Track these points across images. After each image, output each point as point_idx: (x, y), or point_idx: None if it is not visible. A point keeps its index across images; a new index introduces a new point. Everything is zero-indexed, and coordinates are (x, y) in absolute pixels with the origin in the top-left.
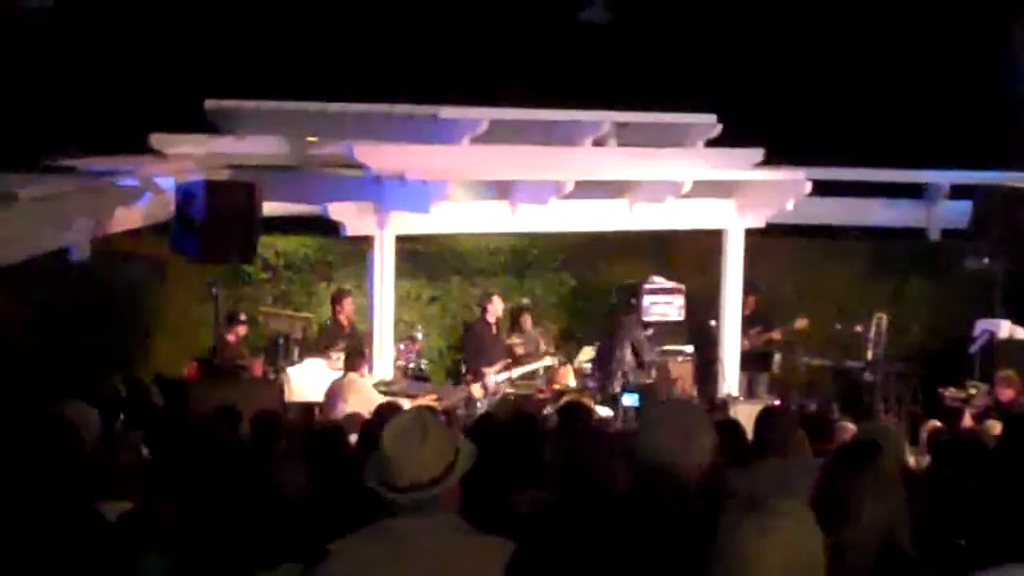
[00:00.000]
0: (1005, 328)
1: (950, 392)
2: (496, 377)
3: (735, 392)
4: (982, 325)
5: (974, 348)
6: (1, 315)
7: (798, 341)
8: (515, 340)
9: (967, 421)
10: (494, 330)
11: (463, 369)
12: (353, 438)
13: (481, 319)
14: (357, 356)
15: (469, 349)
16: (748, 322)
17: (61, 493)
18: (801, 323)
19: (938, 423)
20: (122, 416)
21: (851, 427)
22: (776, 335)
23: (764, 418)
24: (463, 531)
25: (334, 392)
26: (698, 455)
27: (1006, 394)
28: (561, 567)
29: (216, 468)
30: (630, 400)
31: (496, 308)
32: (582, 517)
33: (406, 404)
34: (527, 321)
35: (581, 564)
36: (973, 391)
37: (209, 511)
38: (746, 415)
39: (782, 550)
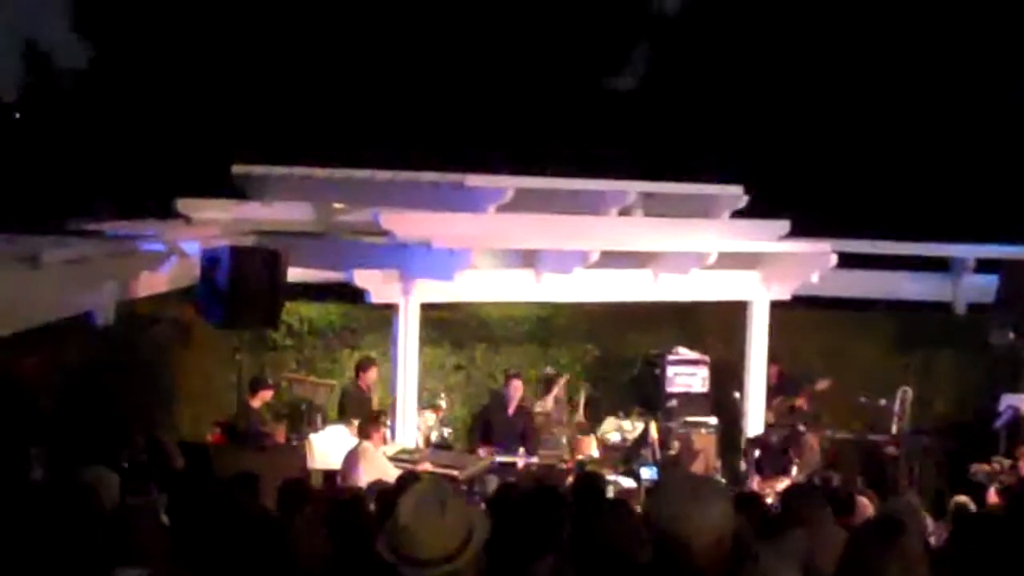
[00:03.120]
0: None
1: (976, 467)
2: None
3: None
4: (1007, 400)
5: (999, 423)
6: (27, 378)
7: (820, 408)
8: (544, 405)
9: (992, 497)
10: (509, 412)
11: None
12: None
13: (495, 404)
14: (370, 424)
15: (475, 429)
16: (772, 392)
17: (78, 558)
18: (823, 384)
19: (964, 498)
20: (144, 481)
21: (867, 502)
22: (800, 402)
23: (790, 493)
24: None
25: (348, 460)
26: (711, 526)
27: None
28: None
29: (234, 535)
30: (648, 473)
31: (516, 392)
32: None
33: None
34: (559, 389)
35: None
36: (997, 466)
37: None
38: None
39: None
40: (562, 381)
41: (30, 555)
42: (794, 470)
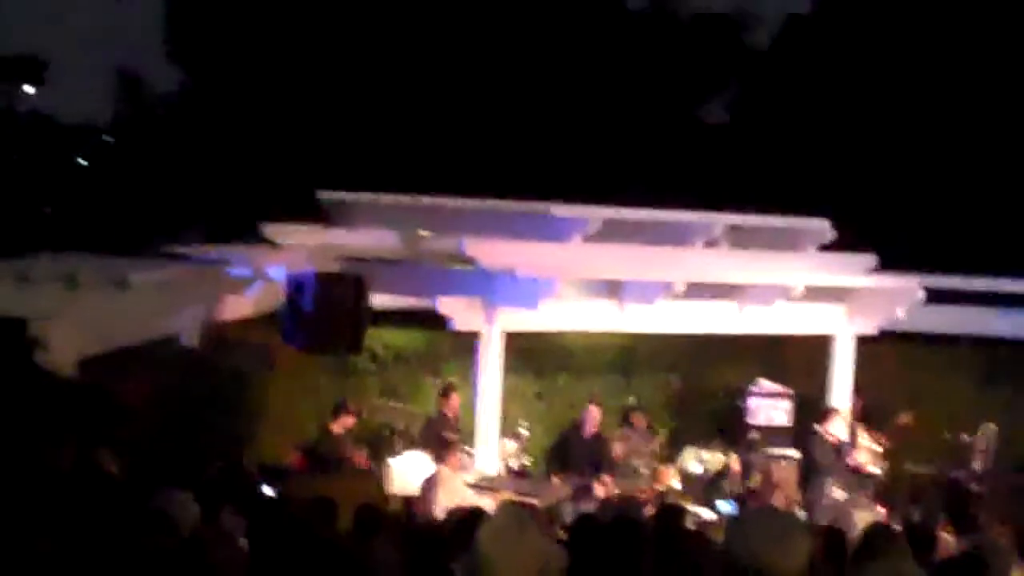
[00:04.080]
0: None
1: None
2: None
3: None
4: None
5: None
6: (122, 400)
7: (903, 443)
8: (622, 437)
9: None
10: (584, 436)
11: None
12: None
13: (573, 429)
14: (445, 449)
15: (552, 454)
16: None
17: None
18: (905, 419)
19: None
20: (223, 505)
21: (949, 539)
22: (882, 439)
23: (870, 531)
24: None
25: (425, 486)
26: (789, 562)
27: None
28: None
29: (310, 561)
30: (726, 508)
31: (592, 417)
32: None
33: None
34: (638, 420)
35: None
36: None
37: None
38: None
39: None
40: (639, 414)
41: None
42: None
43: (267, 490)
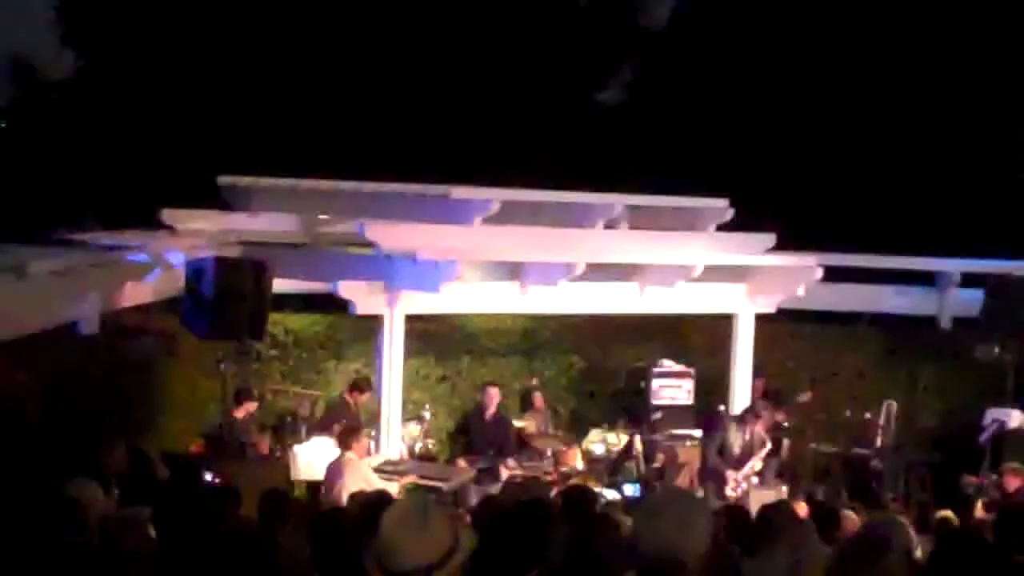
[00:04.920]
0: (1015, 418)
1: (967, 479)
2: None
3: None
4: (992, 414)
5: (984, 437)
6: (12, 389)
7: (805, 422)
8: (527, 419)
9: (979, 511)
10: (485, 418)
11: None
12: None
13: (475, 411)
14: (351, 435)
15: (455, 437)
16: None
17: (65, 571)
18: (805, 397)
19: (949, 512)
20: (128, 493)
21: (853, 517)
22: (781, 416)
23: (770, 508)
24: None
25: (331, 472)
26: (697, 544)
27: (1013, 484)
28: None
29: (216, 548)
30: (631, 490)
31: (492, 399)
32: None
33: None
34: (539, 400)
35: None
36: (985, 480)
37: None
38: (755, 500)
39: None
40: (539, 394)
41: (16, 569)
42: None
43: (207, 476)
